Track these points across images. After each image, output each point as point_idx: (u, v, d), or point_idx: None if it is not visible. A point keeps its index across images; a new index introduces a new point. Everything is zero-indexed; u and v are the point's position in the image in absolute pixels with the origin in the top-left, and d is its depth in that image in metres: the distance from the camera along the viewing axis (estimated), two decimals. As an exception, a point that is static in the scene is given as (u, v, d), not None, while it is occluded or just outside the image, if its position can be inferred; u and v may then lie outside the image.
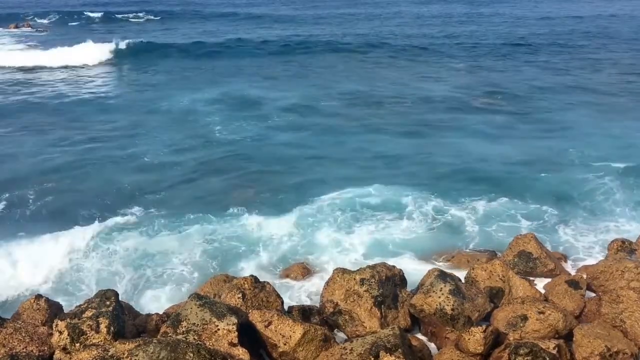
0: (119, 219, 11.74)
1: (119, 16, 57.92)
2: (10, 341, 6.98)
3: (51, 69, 29.60)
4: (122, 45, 32.86)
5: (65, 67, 30.03)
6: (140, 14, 58.87)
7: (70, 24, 52.77)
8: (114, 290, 7.66)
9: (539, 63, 29.19)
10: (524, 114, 19.47)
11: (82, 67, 30.34)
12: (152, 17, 57.57)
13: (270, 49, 34.30)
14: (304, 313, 8.06)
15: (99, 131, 17.74)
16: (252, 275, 8.26)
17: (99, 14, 57.70)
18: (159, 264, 10.12)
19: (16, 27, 48.31)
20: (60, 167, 14.72)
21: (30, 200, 12.60)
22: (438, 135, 17.29)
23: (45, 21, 54.46)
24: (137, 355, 6.17)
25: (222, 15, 56.94)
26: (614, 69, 27.27)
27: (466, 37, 39.21)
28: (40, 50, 33.45)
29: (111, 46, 32.49)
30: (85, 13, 58.68)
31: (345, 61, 30.63)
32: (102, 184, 13.69)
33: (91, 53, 31.42)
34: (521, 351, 6.75)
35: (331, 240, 10.79)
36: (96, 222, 11.49)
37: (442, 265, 9.80)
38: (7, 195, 12.80)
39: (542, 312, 7.59)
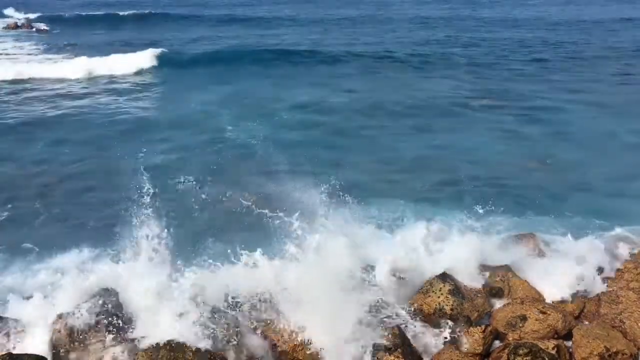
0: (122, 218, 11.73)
1: (110, 13, 56.68)
2: (9, 339, 6.98)
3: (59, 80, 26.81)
4: (154, 54, 29.67)
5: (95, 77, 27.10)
6: (145, 11, 57.39)
7: (67, 23, 51.67)
8: (114, 289, 7.67)
9: (542, 65, 29.11)
10: (530, 116, 19.51)
11: (112, 76, 27.14)
12: (150, 12, 56.16)
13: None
14: (304, 312, 8.05)
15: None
16: (251, 275, 8.25)
17: (94, 13, 56.05)
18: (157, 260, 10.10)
19: (15, 27, 47.85)
20: (67, 171, 14.69)
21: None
22: (446, 137, 17.29)
23: (33, 14, 53.17)
24: (136, 355, 6.18)
25: (221, 17, 55.66)
26: (616, 70, 27.30)
27: (467, 39, 39.05)
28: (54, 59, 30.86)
29: (145, 55, 29.49)
30: (78, 12, 56.78)
31: (349, 65, 29.92)
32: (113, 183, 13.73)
33: (123, 62, 28.56)
34: (520, 351, 6.77)
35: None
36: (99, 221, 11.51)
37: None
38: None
39: (542, 312, 7.60)
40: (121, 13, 56.22)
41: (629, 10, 57.34)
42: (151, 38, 39.09)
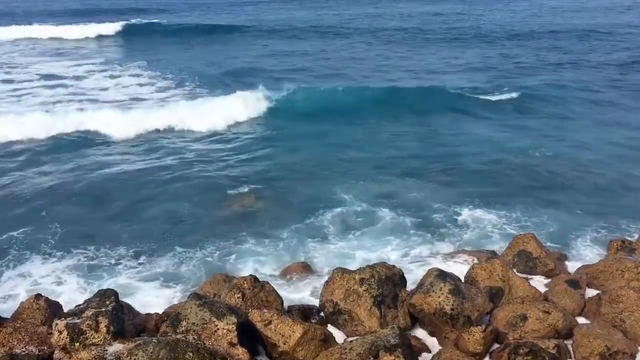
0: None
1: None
2: (10, 341, 6.97)
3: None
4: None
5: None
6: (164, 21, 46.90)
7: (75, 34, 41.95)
8: (113, 290, 7.67)
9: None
10: (534, 111, 19.57)
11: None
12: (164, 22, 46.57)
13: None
14: (304, 312, 8.07)
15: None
16: (251, 275, 8.26)
17: (117, 25, 44.29)
18: (159, 262, 10.13)
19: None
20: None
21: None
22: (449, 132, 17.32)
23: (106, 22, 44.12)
24: (136, 355, 6.18)
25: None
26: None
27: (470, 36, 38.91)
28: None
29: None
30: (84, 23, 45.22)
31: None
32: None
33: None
34: (521, 351, 6.76)
35: (330, 240, 10.80)
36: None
37: (442, 264, 9.78)
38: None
39: (542, 312, 7.59)
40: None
41: None
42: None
